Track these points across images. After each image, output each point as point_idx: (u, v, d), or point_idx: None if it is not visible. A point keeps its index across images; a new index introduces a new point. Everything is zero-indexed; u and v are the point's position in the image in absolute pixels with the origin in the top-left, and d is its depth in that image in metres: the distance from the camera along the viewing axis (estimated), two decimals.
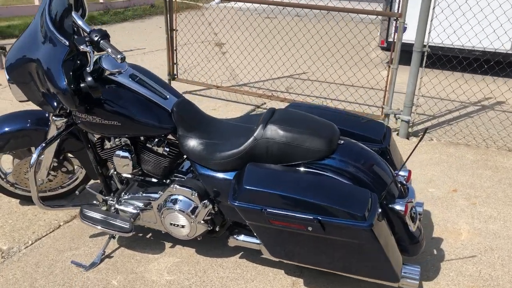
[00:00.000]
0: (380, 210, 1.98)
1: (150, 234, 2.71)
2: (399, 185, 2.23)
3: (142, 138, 2.40)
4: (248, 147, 2.14)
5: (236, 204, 2.00)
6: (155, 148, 2.38)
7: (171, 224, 2.36)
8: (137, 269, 2.44)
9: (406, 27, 6.32)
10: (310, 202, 1.90)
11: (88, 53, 2.09)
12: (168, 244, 2.63)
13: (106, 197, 2.54)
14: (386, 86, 4.21)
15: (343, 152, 2.14)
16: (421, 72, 4.01)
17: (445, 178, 3.49)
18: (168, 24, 4.85)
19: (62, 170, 2.79)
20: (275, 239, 2.05)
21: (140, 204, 2.46)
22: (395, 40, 4.03)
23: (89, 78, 2.08)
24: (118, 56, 2.01)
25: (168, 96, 2.36)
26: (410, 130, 4.23)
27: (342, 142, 2.17)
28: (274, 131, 2.11)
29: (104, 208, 2.54)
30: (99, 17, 9.24)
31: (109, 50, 2.03)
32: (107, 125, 2.26)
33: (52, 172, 2.77)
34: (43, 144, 2.36)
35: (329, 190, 1.94)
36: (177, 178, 2.42)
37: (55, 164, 2.73)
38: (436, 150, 3.97)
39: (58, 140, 2.52)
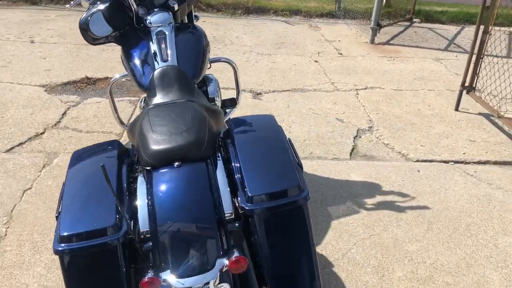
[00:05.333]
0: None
1: None
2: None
3: None
4: (126, 131, 1.92)
5: None
6: None
7: None
8: None
9: None
10: None
11: None
12: None
13: None
14: None
15: (162, 176, 1.56)
16: None
17: None
18: (479, 23, 3.83)
19: None
20: None
21: None
22: None
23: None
24: (134, 7, 2.29)
25: (169, 59, 2.29)
26: None
27: (177, 164, 1.57)
28: (138, 122, 1.78)
29: None
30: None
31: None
32: (127, 67, 2.48)
33: None
34: (117, 76, 2.82)
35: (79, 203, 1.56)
36: None
37: None
38: None
39: None
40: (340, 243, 2.46)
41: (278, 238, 1.53)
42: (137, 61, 2.30)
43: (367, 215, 2.68)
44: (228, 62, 2.84)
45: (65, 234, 1.41)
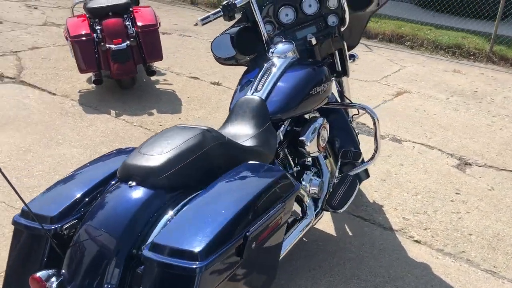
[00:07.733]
0: None
1: None
2: None
3: None
4: None
5: None
6: None
7: None
8: None
9: None
10: None
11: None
12: None
13: None
14: None
15: (113, 189, 1.54)
16: None
17: None
18: None
19: None
20: None
21: None
22: None
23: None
24: (264, 36, 2.36)
25: (261, 90, 2.15)
26: None
27: (130, 183, 1.52)
28: None
29: None
30: None
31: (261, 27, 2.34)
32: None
33: None
34: None
35: None
36: None
37: None
38: None
39: None
40: None
41: None
42: (239, 86, 2.30)
43: None
44: (370, 113, 2.51)
45: (24, 209, 1.58)
